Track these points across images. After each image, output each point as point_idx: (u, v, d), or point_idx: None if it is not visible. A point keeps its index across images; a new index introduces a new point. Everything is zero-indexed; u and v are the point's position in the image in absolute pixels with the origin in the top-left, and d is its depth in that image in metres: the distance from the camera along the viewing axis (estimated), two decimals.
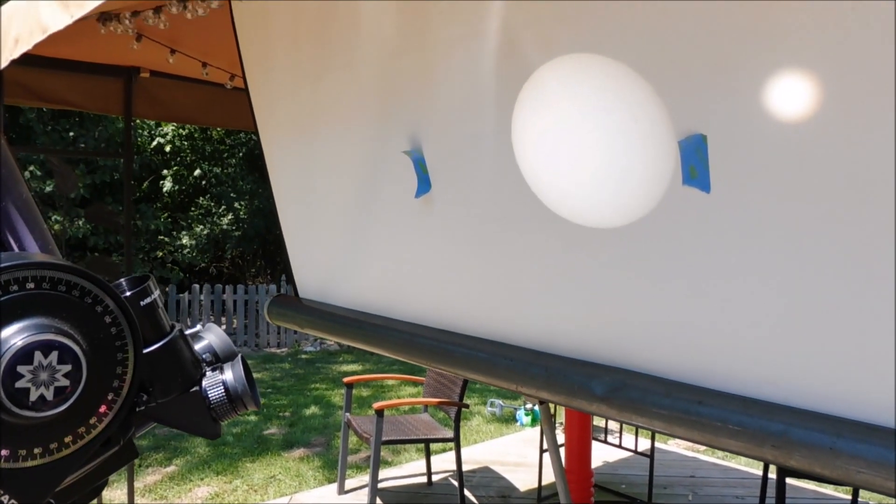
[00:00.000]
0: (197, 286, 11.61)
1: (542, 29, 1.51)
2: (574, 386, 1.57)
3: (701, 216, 1.32)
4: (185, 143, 13.85)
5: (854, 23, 1.08)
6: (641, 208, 1.39)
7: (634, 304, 1.50)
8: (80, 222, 11.04)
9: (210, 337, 0.93)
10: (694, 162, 1.27)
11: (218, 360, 0.90)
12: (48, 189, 10.64)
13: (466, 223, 1.83)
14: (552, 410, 3.04)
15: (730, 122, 1.24)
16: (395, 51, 1.91)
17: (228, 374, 0.85)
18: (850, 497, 4.08)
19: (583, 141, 1.45)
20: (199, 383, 0.84)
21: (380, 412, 4.40)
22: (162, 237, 12.89)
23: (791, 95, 1.16)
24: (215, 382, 0.84)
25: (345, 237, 2.30)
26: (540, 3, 1.49)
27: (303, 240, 2.54)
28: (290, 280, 2.63)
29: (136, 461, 5.84)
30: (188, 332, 0.88)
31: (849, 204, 1.14)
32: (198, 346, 0.90)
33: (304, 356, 10.88)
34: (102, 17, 3.45)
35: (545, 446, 5.06)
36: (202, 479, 5.64)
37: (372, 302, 2.25)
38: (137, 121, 13.24)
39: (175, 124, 13.19)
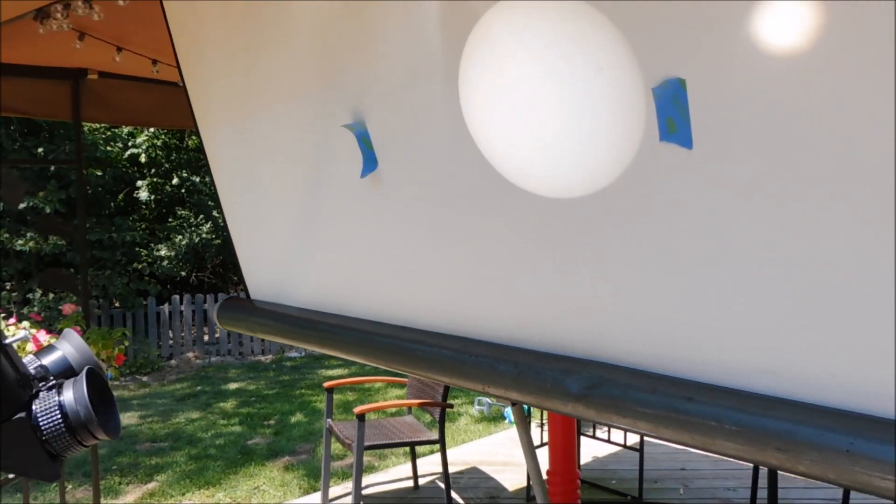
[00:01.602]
0: (177, 297, 11.39)
1: None
2: (546, 384, 1.38)
3: (683, 178, 1.13)
4: (161, 152, 13.60)
5: None
6: (613, 172, 1.19)
7: (611, 288, 1.31)
8: (55, 239, 10.76)
9: (64, 348, 0.73)
10: (672, 113, 1.08)
11: (67, 375, 0.70)
12: (22, 206, 10.37)
13: (420, 204, 1.63)
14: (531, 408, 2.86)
15: (713, 62, 1.05)
16: (329, 16, 1.71)
17: (68, 394, 0.65)
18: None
19: (540, 98, 1.25)
20: (28, 407, 0.63)
21: (361, 416, 4.26)
22: (139, 249, 12.64)
23: (788, 24, 0.97)
24: (49, 407, 0.64)
25: (294, 230, 2.10)
26: None
27: (250, 236, 2.33)
28: (241, 281, 2.43)
29: (116, 479, 5.70)
30: (10, 341, 0.68)
31: (856, 160, 0.95)
32: (47, 360, 0.70)
33: (288, 363, 10.68)
34: (39, 14, 3.24)
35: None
36: (183, 495, 5.47)
37: (327, 299, 2.05)
38: (111, 131, 12.98)
39: (149, 133, 12.93)
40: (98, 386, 0.69)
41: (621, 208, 1.24)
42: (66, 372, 0.72)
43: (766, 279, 1.09)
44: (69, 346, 0.73)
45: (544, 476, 2.98)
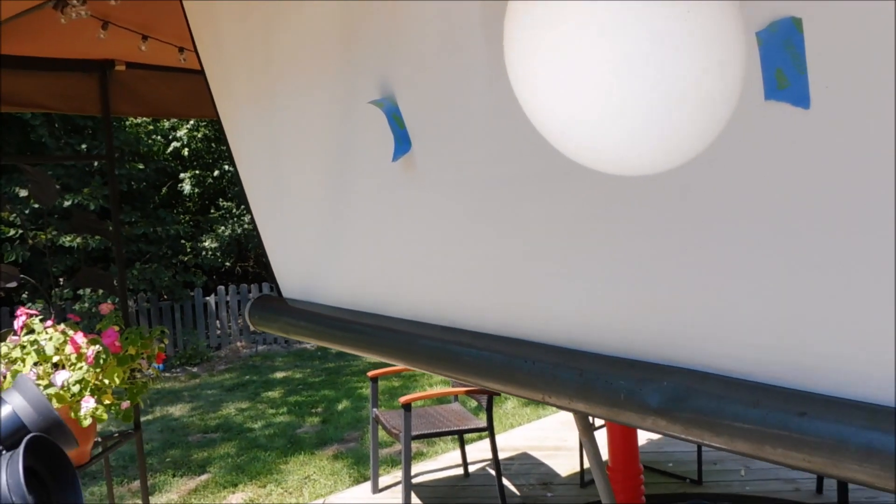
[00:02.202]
0: (223, 288, 11.46)
1: None
2: (619, 395, 1.17)
3: (796, 146, 0.89)
4: (202, 144, 13.67)
5: None
6: (704, 141, 0.96)
7: (701, 282, 1.08)
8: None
9: (15, 401, 0.55)
10: (782, 63, 0.85)
11: (19, 437, 0.52)
12: (67, 203, 10.45)
13: (462, 189, 1.42)
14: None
15: None
16: None
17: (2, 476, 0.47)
18: None
19: (608, 54, 1.03)
20: None
21: (407, 406, 4.24)
22: (184, 241, 12.74)
23: None
24: None
25: (323, 222, 1.91)
26: None
27: (279, 230, 2.16)
28: (273, 278, 2.26)
29: (169, 472, 5.72)
30: None
31: None
32: None
33: (333, 350, 10.68)
34: (58, 3, 3.11)
35: None
36: (236, 486, 5.48)
37: (363, 298, 1.86)
38: (152, 125, 13.08)
39: (189, 125, 13.00)
40: (49, 455, 0.51)
41: (716, 186, 1.01)
42: (17, 432, 0.54)
43: None
44: (20, 398, 0.55)
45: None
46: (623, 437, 3.19)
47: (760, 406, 1.02)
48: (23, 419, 0.56)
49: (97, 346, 2.95)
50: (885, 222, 0.87)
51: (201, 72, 2.23)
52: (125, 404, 3.11)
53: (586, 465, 4.72)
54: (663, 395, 1.12)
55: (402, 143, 1.48)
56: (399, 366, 1.69)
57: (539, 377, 1.29)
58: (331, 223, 1.88)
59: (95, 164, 11.08)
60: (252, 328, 2.31)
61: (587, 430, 1.94)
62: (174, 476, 5.71)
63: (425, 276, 1.62)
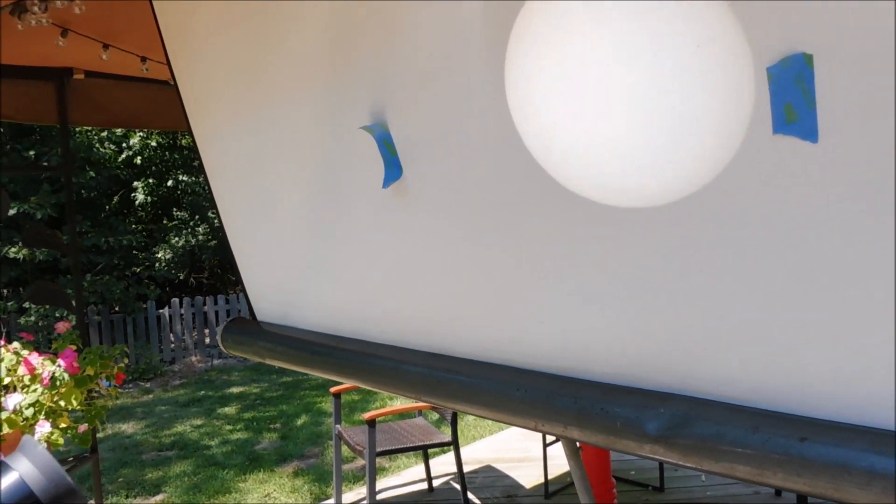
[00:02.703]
0: (176, 300, 11.21)
1: None
2: (616, 422, 1.17)
3: (804, 179, 0.90)
4: (155, 153, 13.41)
5: None
6: (710, 173, 0.97)
7: (701, 307, 1.09)
8: None
9: (22, 467, 0.51)
10: (792, 98, 0.86)
11: None
12: (12, 212, 10.12)
13: (455, 215, 1.40)
14: None
15: (853, 31, 0.82)
16: None
17: None
18: None
19: (613, 83, 1.02)
20: None
21: (371, 422, 4.20)
22: (137, 252, 12.44)
23: None
24: None
25: (304, 245, 1.87)
26: None
27: (255, 251, 2.11)
28: (247, 300, 2.20)
29: (122, 492, 5.55)
30: None
31: None
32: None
33: None
34: (15, 8, 3.01)
35: (548, 440, 4.85)
36: None
37: (345, 323, 1.82)
38: (105, 132, 12.77)
39: (142, 133, 12.73)
40: None
41: (720, 217, 1.02)
42: (25, 502, 0.50)
43: None
44: (28, 464, 0.51)
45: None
46: (596, 453, 3.21)
47: (761, 431, 1.02)
48: (32, 488, 0.51)
49: (53, 367, 2.84)
50: (883, 251, 0.89)
51: (174, 86, 2.17)
52: (82, 427, 3.00)
53: (550, 475, 4.76)
54: (661, 421, 1.12)
55: (393, 169, 1.46)
56: (385, 391, 1.66)
57: (532, 405, 1.28)
58: (314, 245, 1.84)
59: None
60: (225, 352, 2.25)
61: (574, 454, 1.93)
62: (128, 497, 5.54)
63: (413, 300, 1.60)
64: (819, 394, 1.00)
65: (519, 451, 5.70)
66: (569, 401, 1.24)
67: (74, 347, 3.07)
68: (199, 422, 7.57)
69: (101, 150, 12.48)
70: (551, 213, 1.23)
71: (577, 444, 3.48)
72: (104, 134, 12.72)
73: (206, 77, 2.04)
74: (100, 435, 7.15)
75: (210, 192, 2.20)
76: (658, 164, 1.02)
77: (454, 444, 4.40)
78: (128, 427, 7.48)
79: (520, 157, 1.22)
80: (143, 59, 3.76)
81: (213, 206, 2.22)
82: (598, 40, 1.02)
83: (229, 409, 8.03)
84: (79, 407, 2.97)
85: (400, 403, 7.16)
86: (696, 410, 1.09)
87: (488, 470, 5.36)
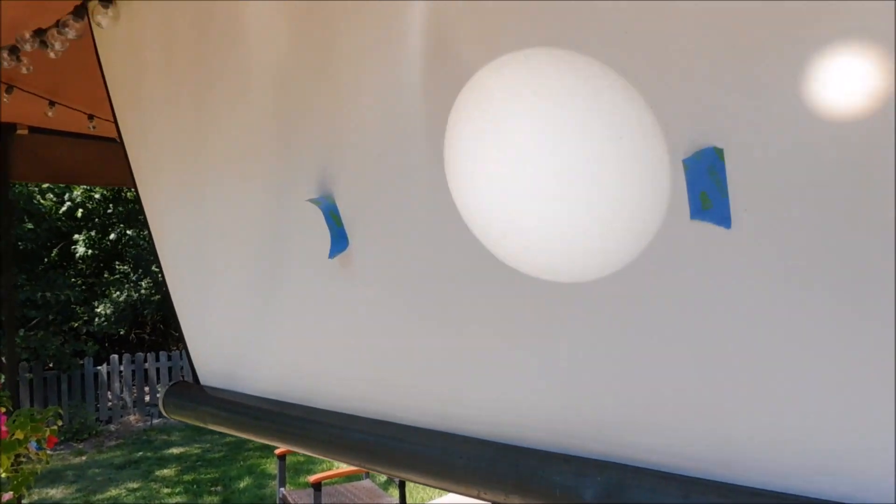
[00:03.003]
0: (116, 357, 10.86)
1: (481, 20, 1.15)
2: (554, 490, 1.20)
3: (719, 261, 0.97)
4: (98, 205, 13.15)
5: None
6: (632, 253, 1.03)
7: (632, 379, 1.14)
8: None
9: None
10: (706, 187, 0.93)
11: None
12: None
13: (400, 286, 1.44)
14: None
15: (759, 127, 0.90)
16: (291, 70, 1.53)
17: None
18: None
19: (546, 170, 1.09)
20: None
21: (317, 486, 4.14)
22: (75, 307, 12.07)
23: (847, 82, 0.83)
24: None
25: (250, 310, 1.88)
26: None
27: (200, 314, 2.10)
28: (190, 364, 2.18)
29: None
30: None
31: None
32: None
33: None
34: None
35: None
36: None
37: (290, 389, 1.83)
38: (44, 184, 12.50)
39: (85, 185, 12.51)
40: None
41: (644, 295, 1.08)
42: None
43: (823, 371, 0.94)
44: None
45: None
46: None
47: (691, 499, 1.06)
48: None
49: None
50: (793, 327, 0.95)
51: (121, 145, 2.18)
52: (6, 496, 2.87)
53: None
54: (598, 489, 1.15)
55: (340, 240, 1.49)
56: (330, 459, 1.66)
57: (475, 473, 1.30)
58: (259, 311, 1.85)
59: None
60: (166, 416, 2.21)
61: None
62: None
63: (359, 368, 1.61)
64: (744, 461, 1.05)
65: None
66: (509, 468, 1.26)
67: (3, 409, 2.97)
68: (134, 485, 7.29)
69: (42, 202, 12.20)
70: (489, 287, 1.28)
71: None
72: (45, 185, 12.47)
73: (154, 140, 2.05)
74: (24, 502, 6.82)
75: (157, 256, 2.20)
76: (588, 242, 1.09)
77: None
78: (56, 492, 7.15)
79: (459, 233, 1.27)
80: (91, 117, 3.75)
81: (158, 265, 2.21)
82: (531, 130, 1.09)
83: (168, 471, 7.76)
84: (4, 474, 2.85)
85: (347, 465, 7.04)
86: (629, 478, 1.13)
87: None
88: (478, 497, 1.33)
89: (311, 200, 1.50)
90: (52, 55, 2.37)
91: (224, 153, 1.81)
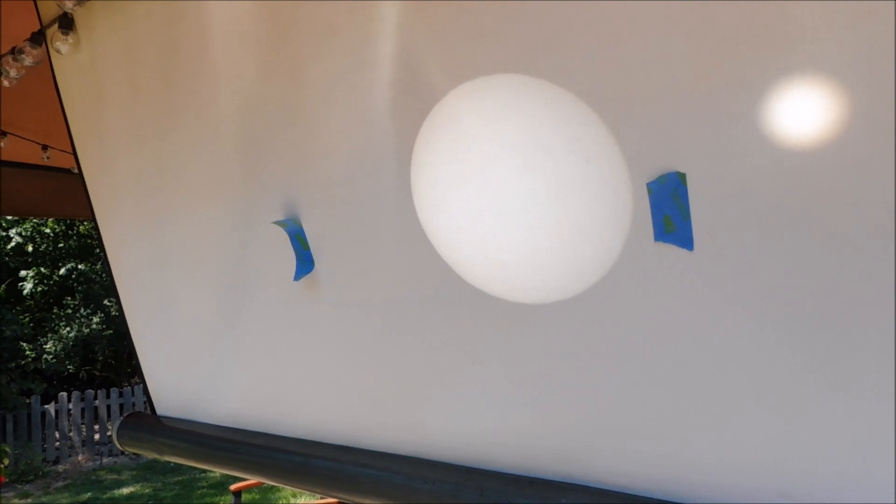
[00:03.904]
0: (65, 395, 10.52)
1: (448, 46, 1.17)
2: None
3: (682, 282, 1.00)
4: (48, 240, 12.85)
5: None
6: (598, 276, 1.05)
7: (598, 403, 1.15)
8: None
9: None
10: (669, 210, 0.96)
11: None
12: None
13: (366, 310, 1.45)
14: None
15: (720, 153, 0.94)
16: (257, 97, 1.54)
17: None
18: None
19: (514, 193, 1.11)
20: None
21: None
22: (23, 344, 11.70)
23: (805, 110, 0.87)
24: None
25: (211, 338, 1.86)
26: (443, 14, 1.16)
27: (158, 346, 2.07)
28: (146, 394, 2.14)
29: None
30: None
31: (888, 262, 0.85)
32: None
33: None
34: None
35: None
36: None
37: (250, 416, 1.80)
38: None
39: (36, 220, 12.22)
40: None
41: (608, 318, 1.10)
42: None
43: (782, 396, 0.97)
44: None
45: None
46: None
47: None
48: None
49: None
50: (757, 348, 0.98)
51: (79, 175, 2.15)
52: None
53: None
54: None
55: (306, 263, 1.49)
56: (294, 488, 1.63)
57: (439, 497, 1.30)
58: (218, 338, 1.83)
59: None
60: (120, 449, 2.15)
61: None
62: None
63: (322, 394, 1.60)
64: (708, 484, 1.07)
65: None
66: (474, 493, 1.26)
67: None
68: None
69: None
70: (455, 312, 1.29)
71: None
72: None
73: (115, 170, 2.03)
74: None
75: (112, 281, 2.16)
76: (554, 264, 1.11)
77: None
78: None
79: (425, 257, 1.28)
80: (45, 148, 3.70)
81: (115, 296, 2.17)
82: (498, 153, 1.11)
83: None
84: None
85: (304, 499, 6.90)
86: (594, 501, 1.14)
87: None
88: None
89: (277, 223, 1.50)
90: (5, 83, 2.34)
91: (187, 182, 1.80)
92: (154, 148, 1.87)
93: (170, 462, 9.52)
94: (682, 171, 0.96)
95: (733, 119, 0.92)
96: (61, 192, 3.97)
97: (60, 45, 2.03)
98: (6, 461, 3.10)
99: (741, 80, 0.91)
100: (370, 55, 1.28)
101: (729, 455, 1.05)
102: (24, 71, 2.14)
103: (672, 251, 0.99)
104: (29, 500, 8.17)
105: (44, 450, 9.91)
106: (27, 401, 10.30)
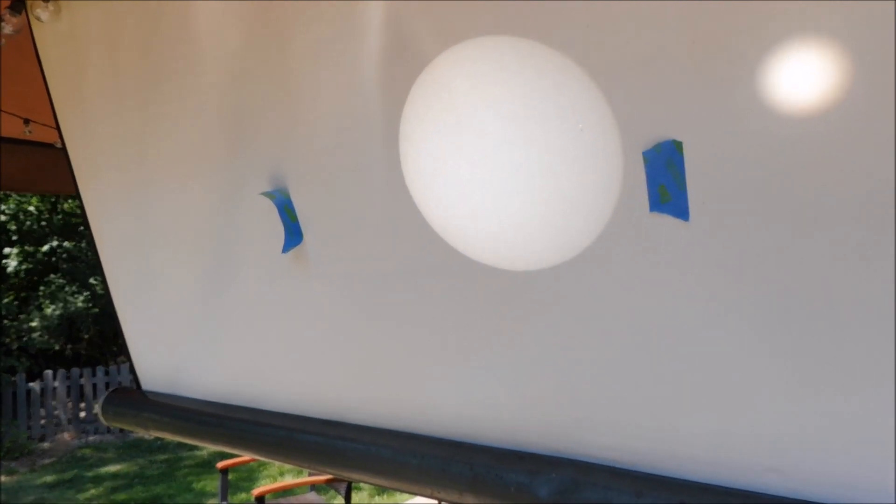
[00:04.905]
0: (50, 373, 10.48)
1: (438, 13, 1.15)
2: (510, 489, 1.19)
3: (676, 253, 0.99)
4: (32, 217, 12.74)
5: None
6: (592, 245, 1.04)
7: (586, 374, 1.14)
8: None
9: None
10: (665, 180, 0.94)
11: None
12: None
13: (354, 282, 1.43)
14: None
15: (716, 121, 0.92)
16: (243, 66, 1.51)
17: None
18: None
19: (505, 161, 1.09)
20: None
21: (260, 499, 4.09)
22: (7, 321, 11.63)
23: (803, 77, 0.85)
24: None
25: (195, 311, 1.83)
26: None
27: (142, 318, 2.04)
28: (131, 369, 2.12)
29: None
30: None
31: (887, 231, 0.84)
32: None
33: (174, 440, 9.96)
34: None
35: None
36: None
37: (237, 391, 1.78)
38: None
39: (18, 197, 12.11)
40: None
41: (600, 288, 1.08)
42: None
43: (771, 368, 0.96)
44: None
45: None
46: None
47: (643, 496, 1.07)
48: None
49: None
50: (749, 320, 0.97)
51: (62, 149, 2.10)
52: None
53: None
54: (552, 487, 1.15)
55: (294, 235, 1.47)
56: (280, 462, 1.62)
57: (428, 473, 1.29)
58: (205, 313, 1.80)
59: None
60: (105, 424, 2.13)
61: None
62: None
63: (308, 368, 1.58)
64: (696, 458, 1.06)
65: None
66: (463, 467, 1.25)
67: None
68: None
69: None
70: (443, 284, 1.28)
71: None
72: None
73: (98, 143, 1.99)
74: None
75: (97, 256, 2.12)
76: (546, 234, 1.09)
77: None
78: None
79: (413, 229, 1.26)
80: (27, 122, 3.63)
81: (100, 271, 2.14)
82: (489, 121, 1.09)
83: (103, 490, 7.50)
84: None
85: (291, 478, 6.91)
86: (583, 475, 1.13)
87: None
88: (431, 496, 1.31)
89: (265, 194, 1.47)
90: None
91: (171, 153, 1.76)
92: (136, 119, 1.83)
93: (155, 440, 9.53)
94: (678, 138, 0.94)
95: (732, 84, 0.90)
96: (43, 168, 3.91)
97: (41, 13, 1.98)
98: None
99: (738, 46, 0.89)
100: (358, 22, 1.25)
101: (719, 429, 1.04)
102: (3, 40, 2.09)
103: (667, 221, 0.98)
104: (15, 477, 8.15)
105: (29, 427, 9.88)
106: (12, 378, 10.25)
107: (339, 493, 4.41)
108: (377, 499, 6.55)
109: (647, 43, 0.97)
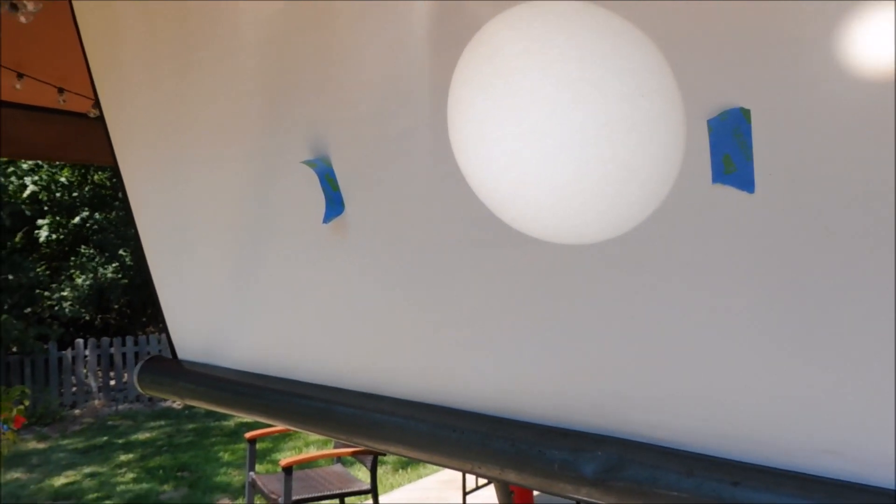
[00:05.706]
0: (81, 341, 10.67)
1: None
2: (553, 466, 1.17)
3: (738, 226, 0.94)
4: (63, 188, 12.91)
5: None
6: (642, 218, 1.00)
7: (636, 351, 1.11)
8: None
9: None
10: (730, 149, 0.90)
11: None
12: None
13: (395, 254, 1.40)
14: None
15: (785, 89, 0.87)
16: (283, 28, 1.47)
17: None
18: None
19: (557, 128, 1.05)
20: None
21: (287, 469, 4.13)
22: (40, 291, 11.84)
23: (880, 41, 0.80)
24: None
25: (233, 282, 1.82)
26: None
27: (179, 287, 2.03)
28: (167, 338, 2.12)
29: None
30: None
31: None
32: None
33: (201, 409, 10.10)
34: None
35: (468, 487, 4.84)
36: None
37: (273, 361, 1.77)
38: (8, 164, 12.24)
39: (50, 167, 12.27)
40: None
41: (655, 262, 1.05)
42: None
43: (836, 349, 0.92)
44: None
45: None
46: (520, 495, 3.20)
47: (694, 476, 1.04)
48: None
49: None
50: (810, 300, 0.93)
51: (100, 117, 2.10)
52: None
53: None
54: (598, 465, 1.12)
55: (335, 205, 1.44)
56: (315, 433, 1.61)
57: (468, 447, 1.27)
58: (241, 282, 1.79)
59: None
60: (140, 392, 2.15)
61: (507, 498, 1.92)
62: None
63: (345, 339, 1.57)
64: (749, 438, 1.03)
65: (437, 499, 5.62)
66: (505, 443, 1.23)
67: None
68: (99, 469, 7.17)
69: (6, 183, 11.95)
70: (487, 255, 1.25)
71: (510, 488, 3.50)
72: (10, 169, 12.23)
73: (136, 110, 1.98)
74: None
75: (133, 224, 2.12)
76: (601, 204, 1.05)
77: (373, 492, 4.33)
78: (19, 475, 7.00)
79: (458, 199, 1.23)
80: (61, 91, 3.64)
81: (136, 240, 2.14)
82: (543, 86, 1.05)
83: (133, 456, 7.64)
84: None
85: (315, 450, 6.98)
86: (630, 454, 1.10)
87: None
88: (471, 471, 1.30)
89: (306, 162, 1.45)
90: (22, 19, 2.28)
91: (209, 120, 1.74)
92: (172, 86, 1.81)
93: (185, 409, 9.66)
94: (746, 106, 0.89)
95: (805, 50, 0.85)
96: (76, 138, 3.93)
97: None
98: (26, 402, 3.15)
99: (814, 4, 0.84)
100: None
101: (775, 409, 1.00)
102: (41, 5, 2.08)
103: (731, 194, 0.93)
104: (47, 443, 8.33)
105: (60, 394, 10.08)
106: (44, 346, 10.44)
107: (365, 466, 4.44)
108: (401, 472, 6.59)
109: (712, 3, 0.92)
